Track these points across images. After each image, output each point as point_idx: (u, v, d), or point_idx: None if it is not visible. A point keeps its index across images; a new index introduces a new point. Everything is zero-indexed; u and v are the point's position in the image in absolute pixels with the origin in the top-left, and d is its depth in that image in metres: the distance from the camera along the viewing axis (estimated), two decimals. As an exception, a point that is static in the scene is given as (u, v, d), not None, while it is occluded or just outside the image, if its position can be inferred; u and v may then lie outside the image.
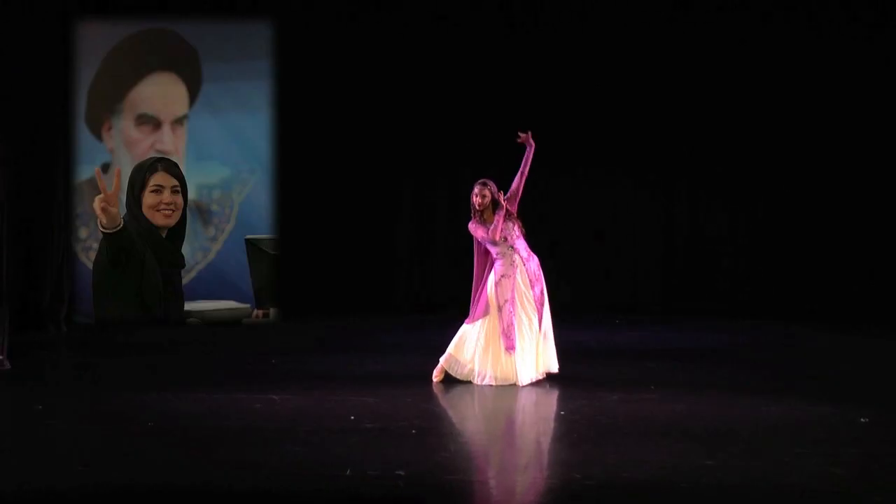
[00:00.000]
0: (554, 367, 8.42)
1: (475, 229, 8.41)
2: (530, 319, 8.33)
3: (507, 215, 8.30)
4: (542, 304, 8.40)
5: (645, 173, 13.45)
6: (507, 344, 8.30)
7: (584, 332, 11.35)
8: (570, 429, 6.94)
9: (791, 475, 5.72)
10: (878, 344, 10.80)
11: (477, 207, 8.35)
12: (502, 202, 8.28)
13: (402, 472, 5.70)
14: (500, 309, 8.32)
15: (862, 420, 7.01)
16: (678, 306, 13.04)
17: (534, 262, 8.46)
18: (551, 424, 7.38)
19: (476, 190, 8.38)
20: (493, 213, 8.32)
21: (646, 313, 12.85)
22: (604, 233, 13.44)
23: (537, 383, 8.28)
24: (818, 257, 12.94)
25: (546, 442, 6.93)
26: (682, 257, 13.45)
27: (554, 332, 8.50)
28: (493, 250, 8.41)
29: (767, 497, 5.42)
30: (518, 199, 8.36)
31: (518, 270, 8.37)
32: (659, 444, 6.39)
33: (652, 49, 13.13)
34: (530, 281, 8.39)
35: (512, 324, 8.29)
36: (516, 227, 8.38)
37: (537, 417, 7.72)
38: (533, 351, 8.33)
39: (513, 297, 8.32)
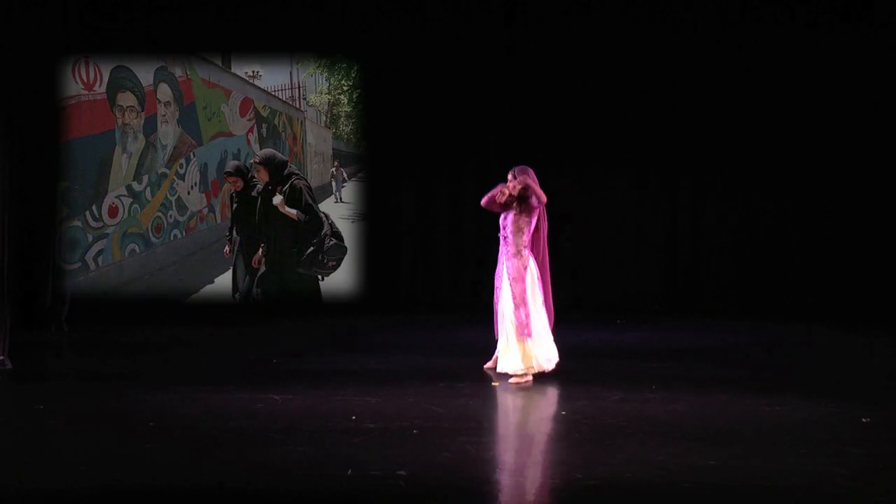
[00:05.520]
0: (508, 370, 8.41)
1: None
2: (504, 314, 8.45)
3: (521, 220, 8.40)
4: (519, 305, 8.39)
5: (647, 173, 13.43)
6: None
7: (585, 331, 11.34)
8: (571, 429, 6.92)
9: (793, 475, 5.72)
10: (878, 343, 10.79)
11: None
12: (525, 198, 8.38)
13: (403, 472, 5.70)
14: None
15: (864, 420, 7.01)
16: (680, 306, 13.03)
17: (520, 262, 8.40)
18: (553, 424, 7.37)
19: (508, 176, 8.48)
20: (521, 202, 8.38)
21: (647, 313, 12.84)
22: (606, 232, 13.42)
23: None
24: (820, 257, 12.93)
25: (547, 442, 6.92)
26: (684, 257, 13.43)
27: (556, 331, 8.51)
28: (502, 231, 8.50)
29: (769, 497, 5.41)
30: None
31: (505, 259, 8.44)
32: (660, 443, 6.38)
33: (655, 49, 13.12)
34: (511, 277, 8.41)
35: (495, 308, 8.53)
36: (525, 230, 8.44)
37: (539, 417, 7.71)
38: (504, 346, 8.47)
39: (500, 285, 8.48)
